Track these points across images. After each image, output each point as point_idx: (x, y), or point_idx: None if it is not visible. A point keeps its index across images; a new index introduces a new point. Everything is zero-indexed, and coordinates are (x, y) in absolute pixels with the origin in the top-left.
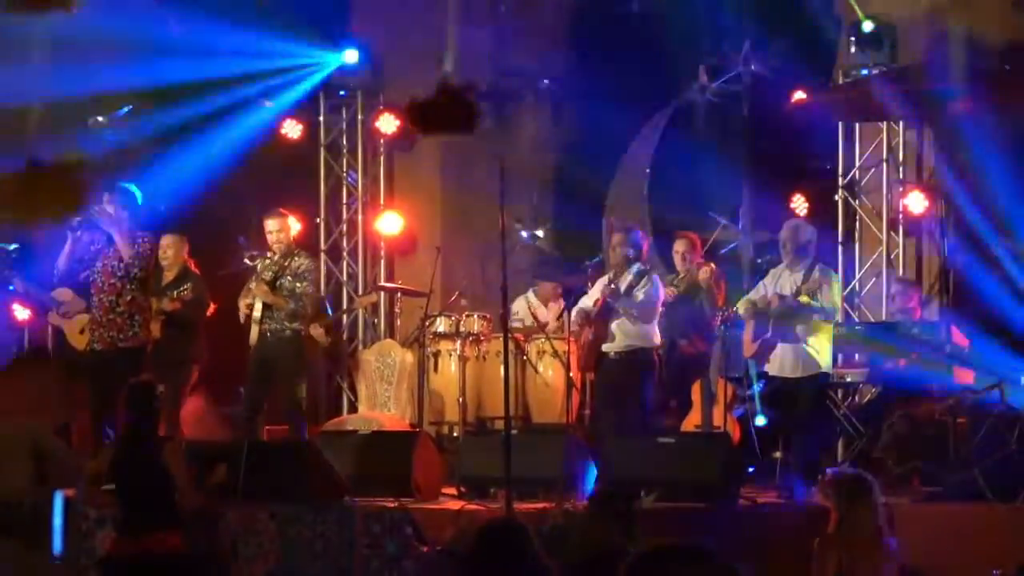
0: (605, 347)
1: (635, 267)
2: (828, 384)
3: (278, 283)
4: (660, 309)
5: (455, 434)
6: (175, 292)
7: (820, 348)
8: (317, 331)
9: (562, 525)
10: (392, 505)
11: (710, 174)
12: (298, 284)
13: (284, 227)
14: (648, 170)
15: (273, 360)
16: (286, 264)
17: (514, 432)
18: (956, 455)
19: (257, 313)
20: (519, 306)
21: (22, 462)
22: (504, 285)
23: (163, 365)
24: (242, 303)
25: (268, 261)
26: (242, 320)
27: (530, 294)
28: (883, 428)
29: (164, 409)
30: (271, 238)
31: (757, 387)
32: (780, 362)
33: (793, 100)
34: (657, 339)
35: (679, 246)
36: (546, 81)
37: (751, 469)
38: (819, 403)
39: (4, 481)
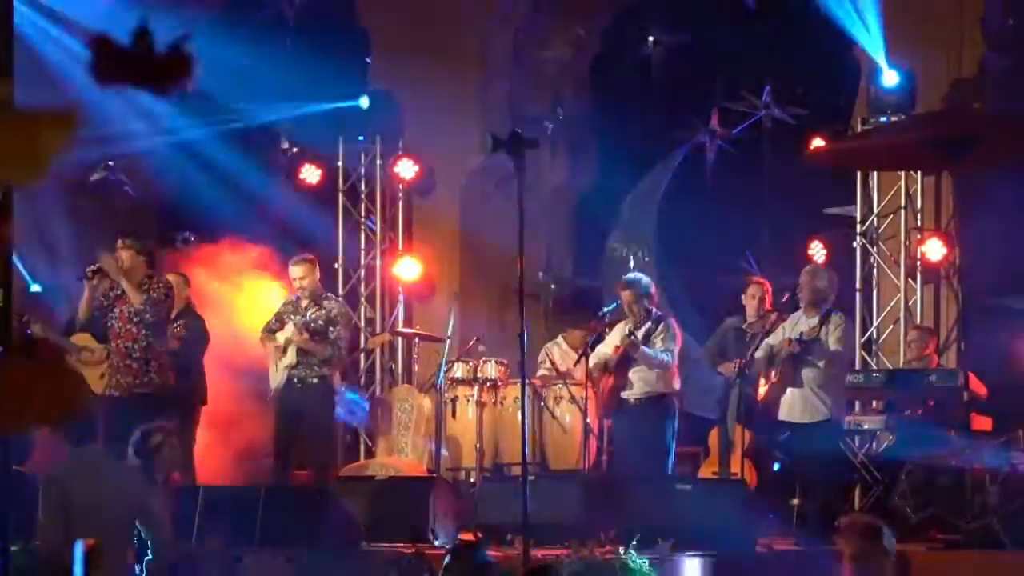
0: (624, 394)
1: (652, 315)
2: (840, 431)
3: (314, 329)
4: (678, 355)
5: (472, 480)
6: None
7: (828, 395)
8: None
9: (580, 572)
10: (409, 551)
11: (721, 218)
12: (331, 329)
13: (309, 272)
14: (656, 208)
15: (303, 406)
16: (319, 310)
17: (531, 478)
18: (974, 503)
19: (291, 359)
20: (554, 352)
21: (120, 521)
22: (522, 331)
23: (168, 407)
24: (270, 345)
25: (293, 305)
26: (272, 359)
27: (560, 340)
28: (900, 476)
29: (174, 452)
30: (296, 284)
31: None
32: (789, 407)
33: (811, 147)
34: (676, 385)
35: (754, 291)
36: (563, 124)
37: (770, 516)
38: (829, 450)
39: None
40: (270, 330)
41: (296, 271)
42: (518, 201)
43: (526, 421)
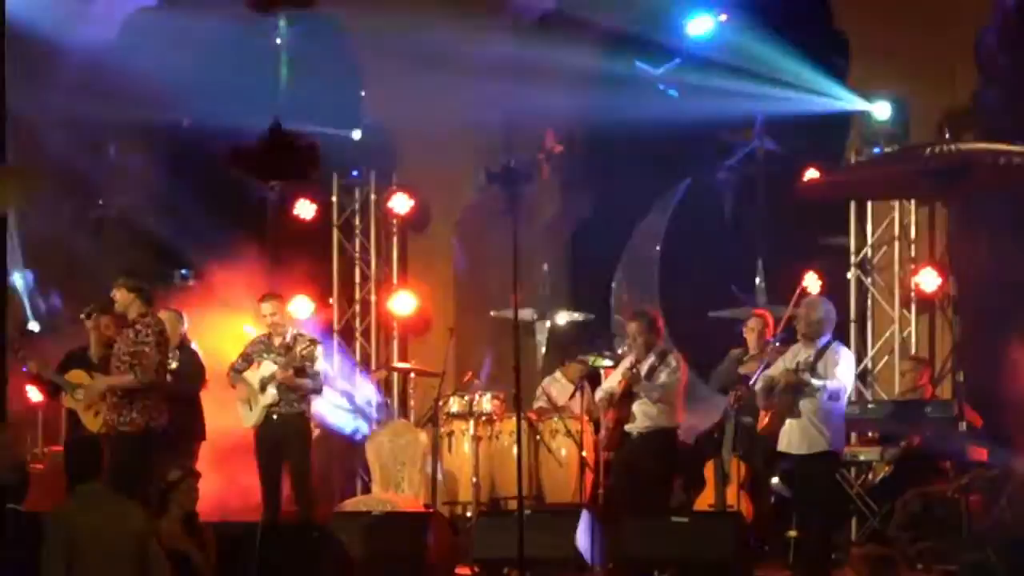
0: (627, 427)
1: (656, 349)
2: (838, 462)
3: (298, 367)
4: (681, 389)
5: (469, 515)
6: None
7: (827, 426)
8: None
9: None
10: None
11: (722, 250)
12: (309, 364)
13: (279, 308)
14: (658, 247)
15: (285, 440)
16: (295, 347)
17: (528, 512)
18: (970, 534)
19: (271, 398)
20: (551, 387)
21: (124, 558)
22: (516, 366)
23: (164, 447)
24: (241, 385)
25: (264, 344)
26: (244, 399)
27: (557, 374)
28: (896, 507)
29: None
30: (267, 320)
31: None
32: (788, 439)
33: (805, 179)
34: (679, 419)
35: (754, 324)
36: (556, 159)
37: (766, 548)
38: (828, 481)
39: None
40: (237, 370)
41: (267, 307)
42: (513, 235)
43: (522, 455)
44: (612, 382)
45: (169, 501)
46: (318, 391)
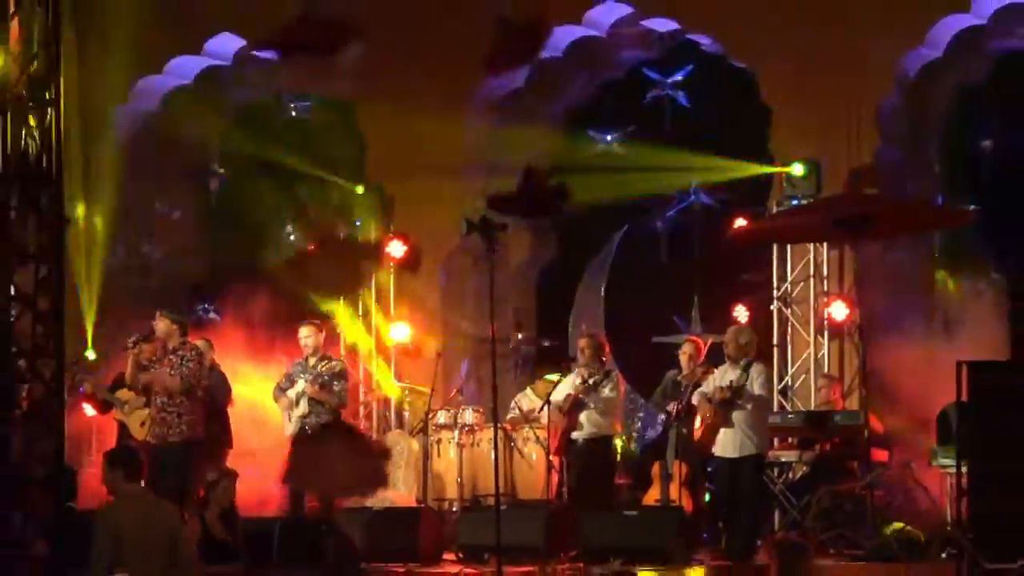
0: (574, 435)
1: (601, 368)
2: (764, 463)
3: (323, 383)
4: (622, 402)
5: (454, 509)
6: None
7: (755, 432)
8: None
9: None
10: (401, 570)
11: (664, 286)
12: (335, 383)
13: (314, 334)
14: (604, 285)
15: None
16: (322, 367)
17: (504, 507)
18: (873, 524)
19: (303, 409)
20: (522, 401)
21: (160, 549)
22: (494, 384)
23: (198, 452)
24: (283, 400)
25: (301, 365)
26: (284, 412)
27: (528, 391)
28: (811, 501)
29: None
30: (303, 342)
31: None
32: (722, 444)
33: (735, 226)
34: (618, 427)
35: (687, 348)
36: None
37: (705, 536)
38: (756, 480)
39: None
40: (281, 388)
41: (304, 332)
42: (489, 275)
43: (499, 458)
44: (560, 396)
45: (209, 498)
46: (343, 405)
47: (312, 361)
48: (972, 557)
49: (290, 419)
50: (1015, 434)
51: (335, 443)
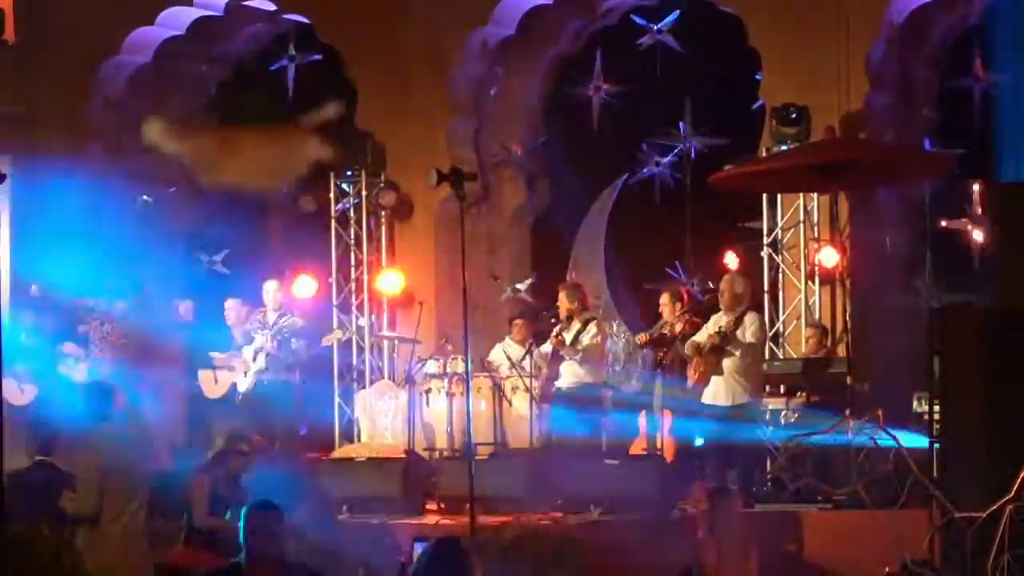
0: (557, 383)
1: (581, 316)
2: (757, 411)
3: (280, 340)
4: (605, 350)
5: (446, 458)
6: None
7: (747, 380)
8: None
9: (520, 535)
10: (375, 522)
11: (660, 233)
12: (294, 339)
13: (279, 289)
14: (603, 232)
15: (270, 401)
16: (284, 321)
17: (487, 457)
18: (844, 474)
19: (260, 365)
20: (496, 355)
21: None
22: (465, 334)
23: None
24: (247, 355)
25: (259, 321)
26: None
27: (507, 340)
28: (780, 450)
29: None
30: (269, 297)
31: None
32: (713, 392)
33: (724, 171)
34: (603, 376)
35: (665, 299)
36: (520, 155)
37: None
38: (749, 427)
39: None
40: (237, 346)
41: (271, 286)
42: (460, 224)
43: (470, 407)
44: (547, 347)
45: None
46: (297, 365)
47: (272, 317)
48: (941, 505)
49: (245, 375)
50: (989, 380)
51: None
